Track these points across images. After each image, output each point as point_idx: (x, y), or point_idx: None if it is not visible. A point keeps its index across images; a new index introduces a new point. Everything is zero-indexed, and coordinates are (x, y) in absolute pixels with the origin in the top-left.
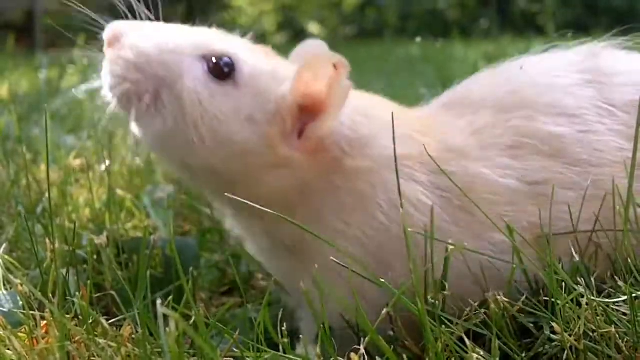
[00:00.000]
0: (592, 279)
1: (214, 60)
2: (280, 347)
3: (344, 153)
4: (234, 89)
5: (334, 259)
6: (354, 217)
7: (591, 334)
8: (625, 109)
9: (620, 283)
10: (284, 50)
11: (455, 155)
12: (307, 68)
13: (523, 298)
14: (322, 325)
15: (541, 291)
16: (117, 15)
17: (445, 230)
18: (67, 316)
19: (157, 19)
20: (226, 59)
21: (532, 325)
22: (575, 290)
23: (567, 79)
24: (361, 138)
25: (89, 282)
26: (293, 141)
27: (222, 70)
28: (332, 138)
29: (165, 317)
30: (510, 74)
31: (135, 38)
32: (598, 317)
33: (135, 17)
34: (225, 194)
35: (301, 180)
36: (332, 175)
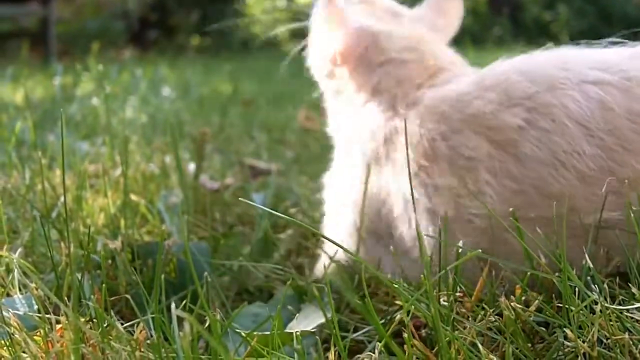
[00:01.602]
0: (605, 285)
1: None
2: (295, 355)
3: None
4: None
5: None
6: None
7: (605, 340)
8: (631, 117)
9: (634, 290)
10: (298, 59)
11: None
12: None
13: (536, 302)
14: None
15: (554, 296)
16: (129, 22)
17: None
18: (82, 319)
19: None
20: None
21: (544, 330)
22: (589, 296)
23: (571, 72)
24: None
25: (103, 285)
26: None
27: None
28: (354, 52)
29: (180, 321)
30: (516, 60)
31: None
32: (612, 324)
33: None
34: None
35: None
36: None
